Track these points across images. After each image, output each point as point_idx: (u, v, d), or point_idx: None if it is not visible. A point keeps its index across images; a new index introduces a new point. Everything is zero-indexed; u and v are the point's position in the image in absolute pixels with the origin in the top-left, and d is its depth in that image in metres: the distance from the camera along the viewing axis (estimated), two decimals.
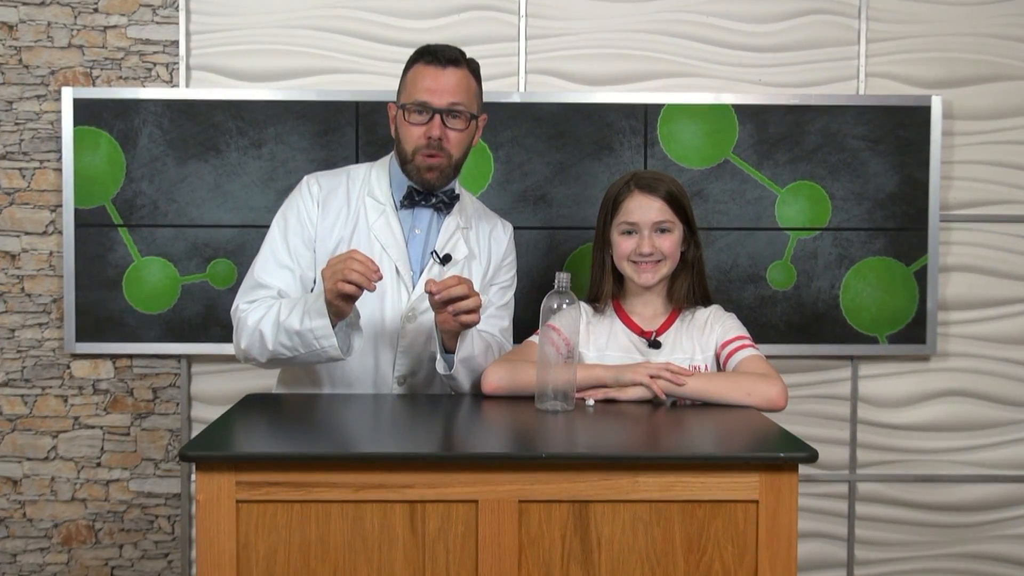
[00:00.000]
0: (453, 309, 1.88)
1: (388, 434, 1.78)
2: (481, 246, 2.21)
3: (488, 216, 2.28)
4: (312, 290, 2.09)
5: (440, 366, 2.02)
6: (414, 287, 2.10)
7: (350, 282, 1.82)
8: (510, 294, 2.27)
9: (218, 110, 2.83)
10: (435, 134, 2.04)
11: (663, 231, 2.07)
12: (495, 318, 2.21)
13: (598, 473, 1.53)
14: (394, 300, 2.09)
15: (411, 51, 2.83)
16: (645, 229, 2.06)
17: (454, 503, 1.52)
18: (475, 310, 1.90)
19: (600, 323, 2.13)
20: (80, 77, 2.87)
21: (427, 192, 2.12)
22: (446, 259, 2.12)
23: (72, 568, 2.95)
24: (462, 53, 2.11)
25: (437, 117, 2.04)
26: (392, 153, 2.19)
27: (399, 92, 2.12)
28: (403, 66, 2.13)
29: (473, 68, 2.12)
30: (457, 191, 2.19)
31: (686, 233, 2.10)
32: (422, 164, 2.06)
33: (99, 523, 2.95)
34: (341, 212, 2.11)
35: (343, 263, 1.83)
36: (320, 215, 2.10)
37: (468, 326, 1.94)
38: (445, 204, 2.14)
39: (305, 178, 2.16)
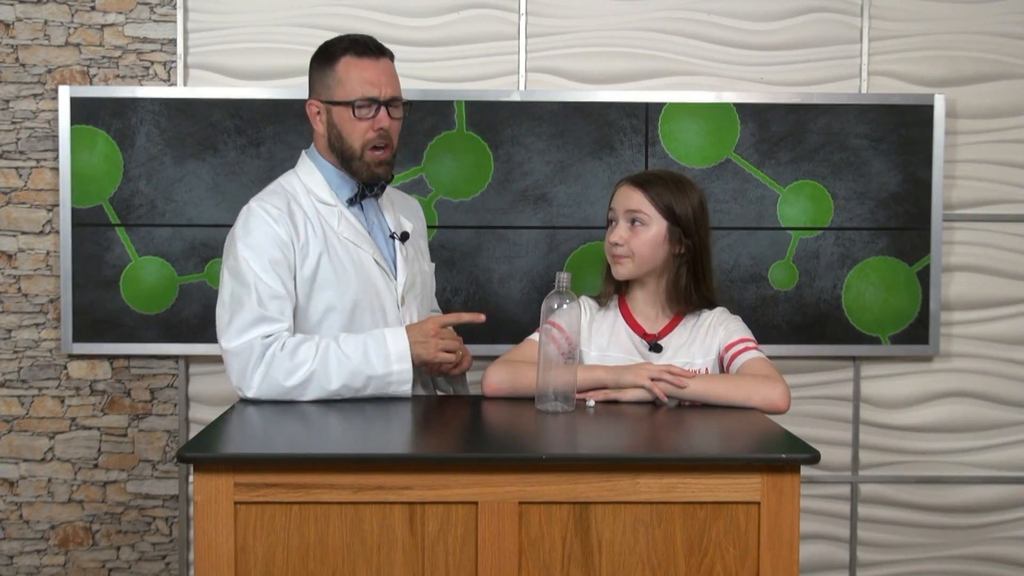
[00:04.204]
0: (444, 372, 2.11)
1: (387, 435, 1.77)
2: (412, 219, 2.27)
3: (397, 192, 2.36)
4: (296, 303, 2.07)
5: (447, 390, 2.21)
6: (395, 275, 2.14)
7: (449, 351, 2.03)
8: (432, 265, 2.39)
9: (216, 109, 2.82)
10: (386, 126, 2.06)
11: (635, 223, 2.04)
12: (436, 294, 2.40)
13: (599, 474, 1.52)
14: (387, 293, 2.12)
15: (411, 49, 2.87)
16: (620, 218, 2.05)
17: (454, 504, 1.51)
18: (462, 359, 2.11)
19: (603, 320, 2.12)
20: (77, 75, 2.86)
21: (372, 185, 2.14)
22: (404, 236, 2.17)
23: (69, 570, 2.93)
24: (380, 42, 2.13)
25: (383, 109, 2.05)
26: (309, 153, 2.17)
27: (326, 88, 2.07)
28: (312, 61, 2.12)
29: (392, 56, 2.14)
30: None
31: (674, 233, 2.05)
32: (372, 159, 2.08)
33: (96, 525, 2.93)
34: (307, 225, 2.07)
35: (440, 338, 2.02)
36: (293, 235, 2.04)
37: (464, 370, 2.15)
38: (382, 188, 2.18)
39: (254, 204, 2.08)
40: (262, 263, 2.00)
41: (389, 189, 2.26)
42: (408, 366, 1.96)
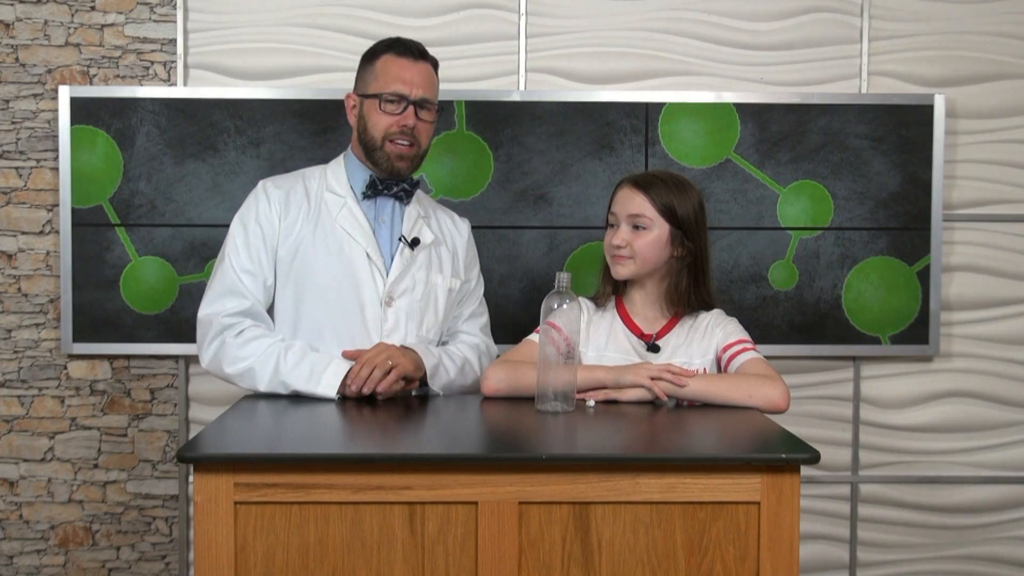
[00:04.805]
0: (369, 389, 2.00)
1: (387, 435, 1.77)
2: (444, 233, 2.28)
3: (445, 210, 2.36)
4: (273, 284, 2.15)
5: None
6: (387, 273, 2.14)
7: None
8: (480, 290, 2.36)
9: (216, 109, 2.82)
10: (410, 123, 2.11)
11: (638, 227, 2.05)
12: (475, 317, 2.34)
13: (599, 474, 1.52)
14: (370, 287, 2.13)
15: None
16: (622, 221, 2.06)
17: (454, 504, 1.51)
18: (388, 372, 2.00)
19: (601, 321, 2.11)
20: (77, 76, 2.86)
21: (389, 181, 2.16)
22: (415, 243, 2.18)
23: (69, 570, 2.93)
24: (425, 48, 2.18)
25: (411, 108, 2.11)
26: (346, 151, 2.24)
27: (364, 82, 2.15)
28: (367, 57, 2.18)
29: (435, 63, 2.19)
30: (416, 178, 2.24)
31: (676, 236, 2.06)
32: (393, 152, 2.12)
33: (96, 525, 2.93)
34: (302, 210, 2.15)
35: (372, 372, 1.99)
36: (282, 216, 2.14)
37: (403, 382, 2.05)
38: (406, 192, 2.19)
39: (260, 182, 2.21)
40: (244, 238, 2.13)
41: (434, 203, 2.32)
42: (331, 394, 2.00)
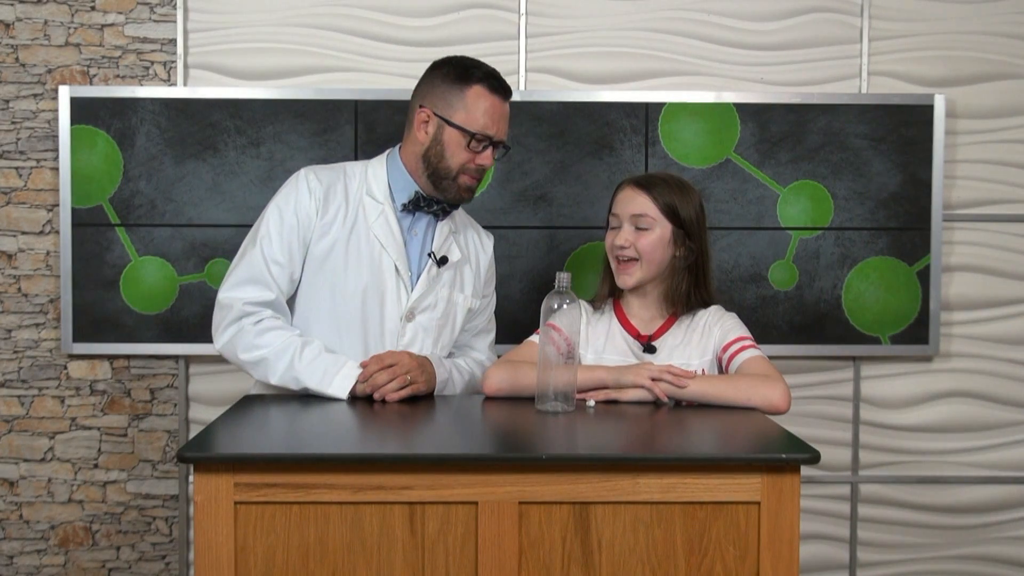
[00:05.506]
0: (380, 395, 1.99)
1: (387, 435, 1.77)
2: (470, 251, 2.26)
3: (473, 224, 2.33)
4: (298, 278, 2.12)
5: None
6: (412, 288, 2.12)
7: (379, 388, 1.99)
8: (493, 306, 2.35)
9: (216, 109, 2.82)
10: (487, 165, 2.10)
11: (640, 228, 2.05)
12: (484, 333, 2.33)
13: (599, 474, 1.52)
14: (393, 300, 2.12)
15: (411, 49, 2.87)
16: (624, 222, 2.05)
17: (454, 505, 1.51)
18: (400, 385, 2.00)
19: (599, 323, 2.12)
20: (77, 75, 2.86)
21: (432, 199, 2.14)
22: (443, 261, 2.15)
23: (69, 570, 2.93)
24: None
25: (491, 148, 2.09)
26: (391, 152, 2.19)
27: (448, 105, 2.07)
28: (437, 69, 2.11)
29: None
30: None
31: (678, 236, 2.07)
32: (464, 184, 2.10)
33: (96, 525, 2.93)
34: (340, 210, 2.11)
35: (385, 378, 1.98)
36: (320, 212, 2.10)
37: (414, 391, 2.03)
38: (444, 211, 2.16)
39: (303, 171, 2.14)
40: (278, 226, 2.09)
41: (465, 217, 2.29)
42: (342, 396, 1.99)
